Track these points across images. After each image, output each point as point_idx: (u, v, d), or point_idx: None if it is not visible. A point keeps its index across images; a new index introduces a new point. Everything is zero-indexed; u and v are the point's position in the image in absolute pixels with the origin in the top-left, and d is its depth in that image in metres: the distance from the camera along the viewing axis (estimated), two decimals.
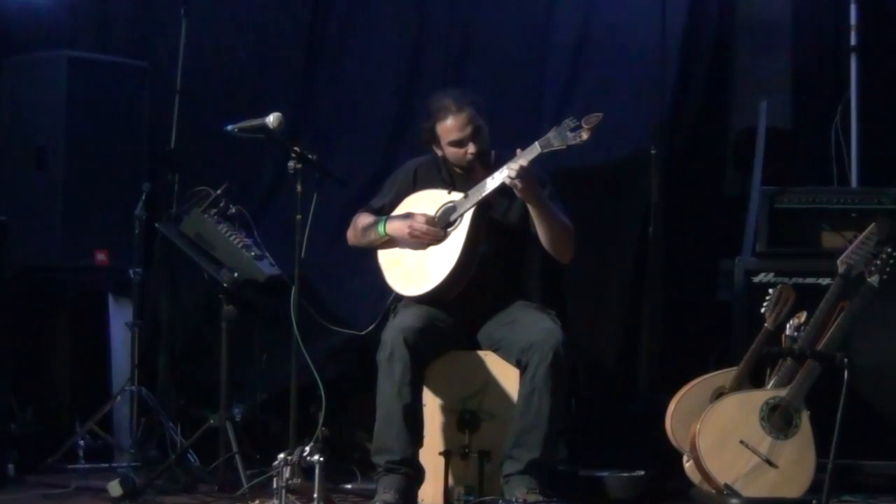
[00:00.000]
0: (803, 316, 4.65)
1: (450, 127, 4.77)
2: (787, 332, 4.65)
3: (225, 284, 5.08)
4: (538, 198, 4.61)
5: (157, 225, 5.39)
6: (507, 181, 4.52)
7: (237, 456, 4.99)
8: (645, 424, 5.06)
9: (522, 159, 4.52)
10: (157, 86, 5.94)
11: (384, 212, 4.89)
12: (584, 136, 4.45)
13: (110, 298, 5.87)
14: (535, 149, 4.53)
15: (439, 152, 4.87)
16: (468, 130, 4.76)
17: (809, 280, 4.94)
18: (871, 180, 5.48)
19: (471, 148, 4.76)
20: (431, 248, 4.73)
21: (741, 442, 4.41)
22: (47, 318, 5.88)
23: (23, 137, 5.81)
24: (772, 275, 5.01)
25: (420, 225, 4.72)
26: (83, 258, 5.74)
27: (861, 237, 4.60)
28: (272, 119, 4.66)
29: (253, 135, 4.75)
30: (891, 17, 5.62)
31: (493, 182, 4.61)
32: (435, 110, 4.81)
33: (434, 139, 4.84)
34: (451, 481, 4.66)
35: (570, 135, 4.47)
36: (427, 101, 4.90)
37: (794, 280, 4.90)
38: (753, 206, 5.25)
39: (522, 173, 4.50)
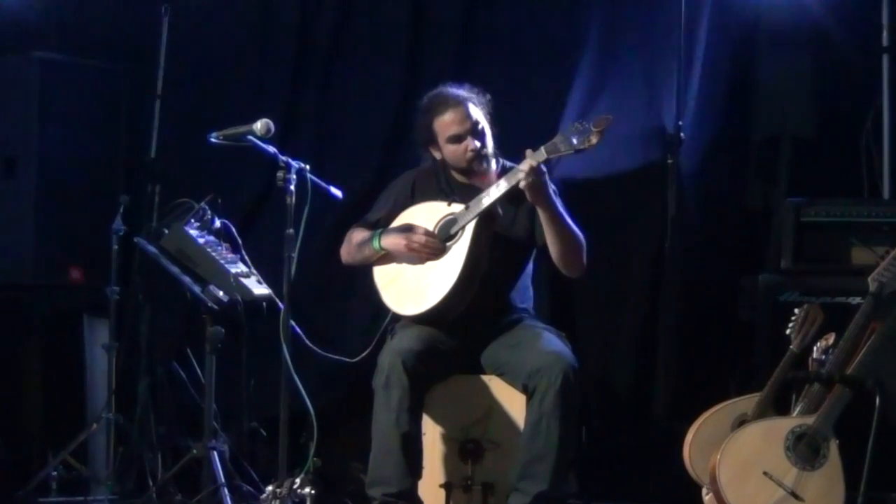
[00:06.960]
0: (832, 338, 4.64)
1: (447, 121, 4.78)
2: (815, 355, 4.65)
3: (209, 304, 5.09)
4: (550, 202, 4.59)
5: (135, 240, 5.39)
6: (521, 183, 4.50)
7: (223, 488, 5.00)
8: (661, 454, 5.07)
9: (532, 160, 4.51)
10: (136, 90, 5.96)
11: (380, 226, 4.90)
12: (594, 139, 4.44)
13: (85, 319, 5.88)
14: (541, 153, 4.51)
15: (437, 155, 4.88)
16: (467, 125, 4.76)
17: (838, 299, 4.95)
18: None
19: (470, 144, 4.76)
20: (431, 264, 4.73)
21: (765, 473, 4.40)
22: (17, 340, 5.88)
23: None
24: (797, 293, 5.02)
25: (418, 237, 4.72)
26: (56, 275, 5.75)
27: (894, 252, 4.59)
28: (259, 126, 4.69)
29: (239, 143, 4.78)
30: None
31: (496, 191, 4.61)
32: (432, 105, 4.82)
33: (431, 138, 4.85)
34: None
35: (578, 139, 4.46)
36: (424, 98, 4.91)
37: (821, 299, 4.90)
38: (778, 220, 5.25)
39: (534, 173, 4.50)
